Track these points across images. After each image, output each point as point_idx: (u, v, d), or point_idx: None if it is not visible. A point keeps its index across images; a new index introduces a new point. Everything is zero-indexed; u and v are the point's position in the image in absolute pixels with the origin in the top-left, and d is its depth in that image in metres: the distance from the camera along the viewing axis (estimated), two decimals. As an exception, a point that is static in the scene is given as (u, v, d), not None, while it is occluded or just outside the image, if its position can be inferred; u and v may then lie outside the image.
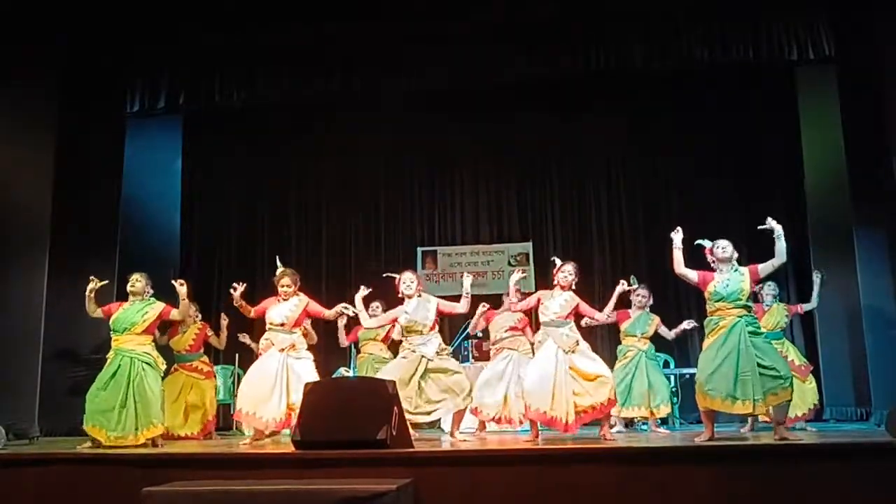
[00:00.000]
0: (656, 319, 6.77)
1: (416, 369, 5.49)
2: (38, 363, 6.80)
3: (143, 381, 5.54)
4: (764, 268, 5.22)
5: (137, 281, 5.83)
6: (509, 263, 9.12)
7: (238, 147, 9.63)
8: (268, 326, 5.90)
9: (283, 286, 5.91)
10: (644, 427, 6.79)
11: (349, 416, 4.27)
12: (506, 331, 6.41)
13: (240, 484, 3.74)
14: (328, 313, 6.07)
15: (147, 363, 5.62)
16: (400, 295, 5.83)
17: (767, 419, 6.19)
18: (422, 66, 7.77)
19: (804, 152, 8.04)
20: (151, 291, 5.90)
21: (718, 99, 8.73)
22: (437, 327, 5.71)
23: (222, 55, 7.99)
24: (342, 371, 7.79)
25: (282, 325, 5.82)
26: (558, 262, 5.72)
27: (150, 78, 8.09)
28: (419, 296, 5.74)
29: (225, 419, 7.98)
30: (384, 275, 6.16)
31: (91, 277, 5.88)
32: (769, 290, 6.61)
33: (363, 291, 5.89)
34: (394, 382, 4.60)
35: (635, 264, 8.69)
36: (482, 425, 6.35)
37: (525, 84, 8.27)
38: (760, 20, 7.28)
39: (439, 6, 7.48)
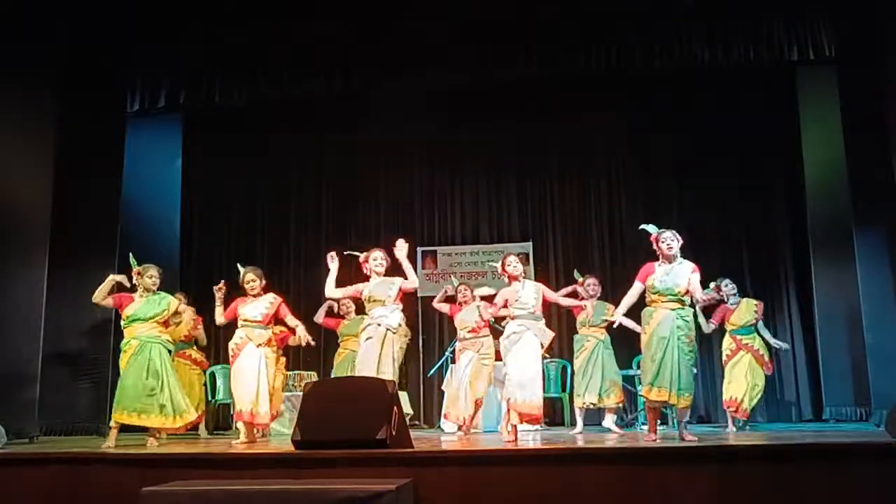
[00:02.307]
0: (611, 308, 6.74)
1: (383, 344, 5.48)
2: (38, 363, 6.79)
3: (173, 368, 5.82)
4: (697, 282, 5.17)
5: (156, 277, 5.92)
6: (509, 263, 9.11)
7: (238, 147, 9.63)
8: (241, 323, 5.89)
9: (248, 283, 5.93)
10: (645, 428, 6.80)
11: (349, 416, 4.26)
12: (468, 332, 6.51)
13: (239, 484, 3.73)
14: (292, 323, 6.00)
15: (170, 350, 5.88)
16: (367, 272, 5.81)
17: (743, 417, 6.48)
18: (422, 66, 7.78)
19: (804, 152, 8.05)
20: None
21: (719, 99, 8.73)
22: (400, 304, 5.69)
23: (222, 55, 8.00)
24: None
25: (257, 321, 5.85)
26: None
27: (151, 77, 8.10)
28: (386, 276, 5.76)
29: (224, 419, 7.99)
30: (345, 253, 6.14)
31: (113, 276, 6.00)
32: (728, 289, 6.58)
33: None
34: (393, 382, 4.59)
35: (635, 264, 8.67)
36: (466, 428, 6.45)
37: (525, 84, 8.28)
38: (760, 20, 7.29)
39: (440, 6, 7.48)
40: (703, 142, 8.84)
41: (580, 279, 6.89)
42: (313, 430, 4.29)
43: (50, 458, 4.52)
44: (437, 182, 9.49)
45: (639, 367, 6.50)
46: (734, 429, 6.52)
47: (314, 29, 7.67)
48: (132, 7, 7.54)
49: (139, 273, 5.89)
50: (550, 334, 5.54)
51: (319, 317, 7.56)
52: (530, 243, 9.11)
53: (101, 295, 5.94)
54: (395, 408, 4.32)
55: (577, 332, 6.81)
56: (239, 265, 6.16)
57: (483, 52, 7.68)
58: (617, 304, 6.85)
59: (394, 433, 4.20)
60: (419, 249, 9.21)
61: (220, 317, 5.94)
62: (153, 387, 5.61)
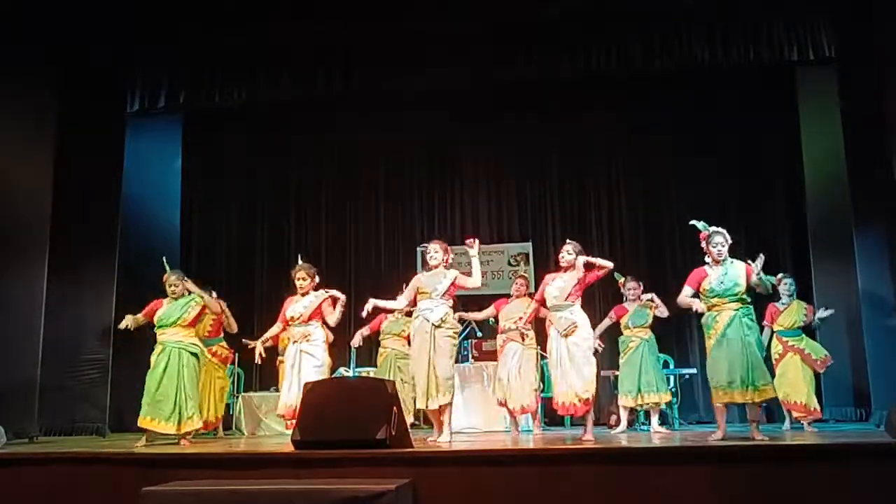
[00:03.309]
0: (654, 304, 6.77)
1: (430, 343, 5.43)
2: (38, 363, 6.80)
3: (193, 372, 5.89)
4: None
5: (176, 285, 6.02)
6: (509, 263, 9.12)
7: (238, 147, 9.64)
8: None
9: (298, 279, 5.91)
10: (645, 427, 6.81)
11: (349, 416, 4.26)
12: (514, 322, 6.40)
13: (240, 484, 3.73)
14: (334, 318, 5.91)
15: (194, 353, 5.94)
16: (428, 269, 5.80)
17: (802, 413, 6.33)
18: (422, 66, 7.77)
19: (804, 152, 8.04)
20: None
21: (718, 99, 8.73)
22: (449, 299, 5.61)
23: (222, 55, 7.99)
24: (342, 371, 7.78)
25: (293, 318, 5.84)
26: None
27: (150, 77, 8.10)
28: (446, 267, 5.69)
29: (224, 419, 7.98)
30: (419, 247, 6.14)
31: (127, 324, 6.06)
32: (785, 288, 6.59)
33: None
34: (393, 382, 4.59)
35: (635, 264, 8.70)
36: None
37: (525, 84, 8.28)
38: (760, 20, 7.29)
39: (439, 6, 7.48)
40: (703, 142, 8.84)
41: (621, 280, 6.87)
42: (313, 430, 4.29)
43: (50, 458, 4.52)
44: (437, 182, 9.49)
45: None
46: (811, 428, 6.30)
47: (314, 29, 7.66)
48: (132, 7, 7.53)
49: (165, 279, 6.04)
50: (571, 321, 5.36)
51: (359, 337, 7.27)
52: (530, 243, 9.11)
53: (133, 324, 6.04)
54: (395, 408, 4.33)
55: (621, 334, 6.82)
56: (300, 259, 6.17)
57: (483, 52, 7.67)
58: (613, 303, 6.95)
59: (394, 433, 4.20)
60: (419, 249, 9.20)
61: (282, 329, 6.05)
62: (164, 394, 5.73)
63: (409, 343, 7.06)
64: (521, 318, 6.03)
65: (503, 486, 3.95)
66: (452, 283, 5.60)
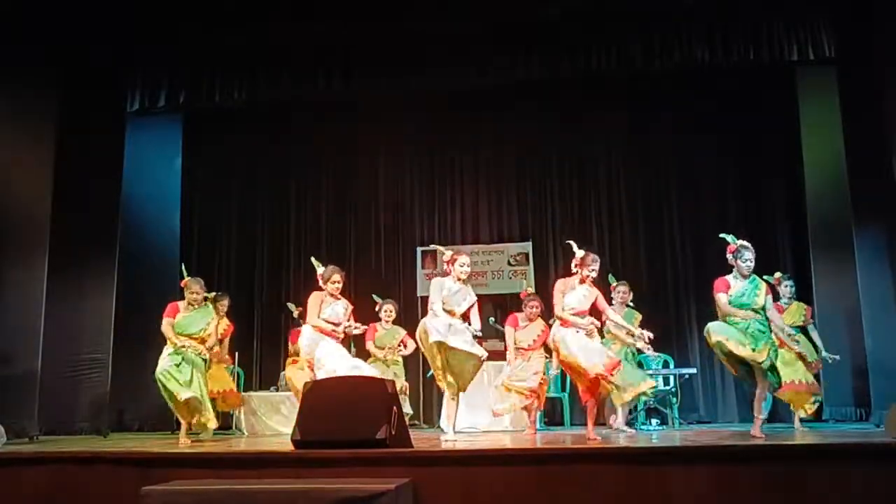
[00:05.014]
0: (639, 317, 6.88)
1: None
2: (38, 363, 6.79)
3: (204, 376, 6.07)
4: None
5: (198, 293, 6.11)
6: (509, 263, 9.11)
7: (238, 147, 9.63)
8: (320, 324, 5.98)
9: (335, 283, 5.97)
10: (645, 427, 6.81)
11: (349, 416, 4.26)
12: (527, 346, 6.45)
13: (240, 484, 3.73)
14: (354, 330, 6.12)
15: (204, 359, 6.08)
16: (446, 271, 5.84)
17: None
18: (422, 66, 7.78)
19: (804, 153, 8.04)
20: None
21: (719, 99, 8.73)
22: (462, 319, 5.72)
23: (222, 55, 7.99)
24: None
25: (338, 323, 5.96)
26: (578, 250, 5.60)
27: (150, 77, 8.10)
28: (466, 283, 5.75)
29: (224, 419, 7.98)
30: (431, 246, 6.16)
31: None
32: (786, 290, 6.64)
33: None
34: (393, 382, 4.60)
35: (635, 264, 8.71)
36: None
37: (525, 84, 8.28)
38: (760, 20, 7.29)
39: (439, 6, 7.48)
40: (703, 142, 8.85)
41: (614, 283, 6.93)
42: (313, 430, 4.29)
43: (50, 458, 4.52)
44: (437, 182, 9.48)
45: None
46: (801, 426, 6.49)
47: (314, 29, 7.66)
48: (132, 7, 7.54)
49: (185, 285, 6.10)
50: (591, 327, 5.53)
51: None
52: (530, 243, 9.11)
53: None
54: (395, 408, 4.33)
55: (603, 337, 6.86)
56: (314, 260, 6.20)
57: (483, 52, 7.67)
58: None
59: (394, 433, 4.20)
60: (419, 249, 9.20)
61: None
62: (188, 395, 5.86)
63: (396, 351, 7.14)
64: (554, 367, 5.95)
65: (503, 486, 3.95)
66: (467, 310, 5.69)
